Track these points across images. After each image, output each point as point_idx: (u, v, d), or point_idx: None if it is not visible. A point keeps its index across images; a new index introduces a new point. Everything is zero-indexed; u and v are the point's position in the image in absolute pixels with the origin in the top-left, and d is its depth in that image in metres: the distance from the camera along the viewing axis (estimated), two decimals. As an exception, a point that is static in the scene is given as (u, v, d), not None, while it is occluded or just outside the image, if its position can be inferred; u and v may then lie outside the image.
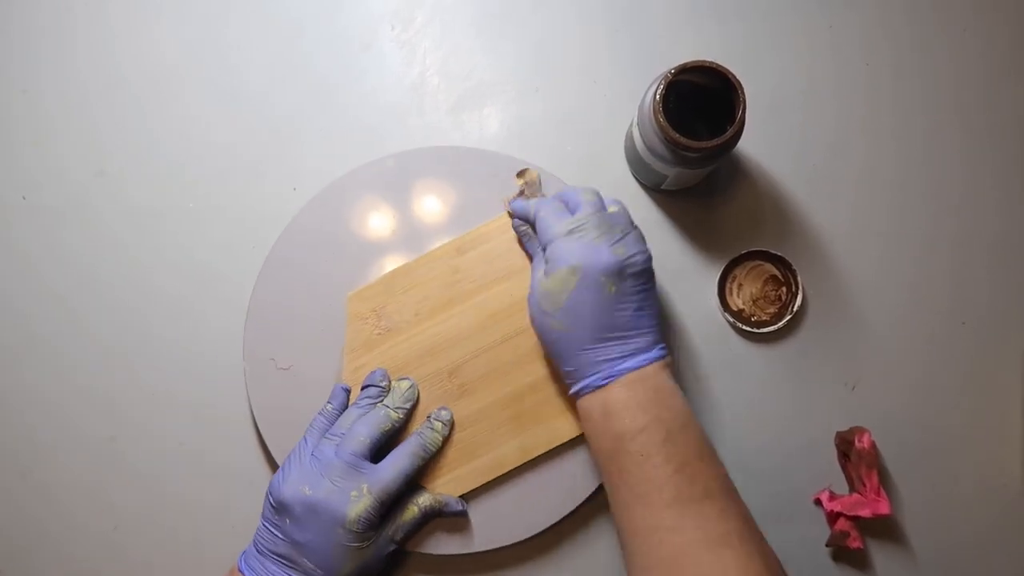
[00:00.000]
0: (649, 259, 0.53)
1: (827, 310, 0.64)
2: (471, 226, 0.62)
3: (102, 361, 0.64)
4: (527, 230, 0.59)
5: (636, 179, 0.65)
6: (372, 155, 0.63)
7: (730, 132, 0.53)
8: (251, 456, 0.63)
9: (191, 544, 0.63)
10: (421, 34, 0.67)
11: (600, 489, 0.59)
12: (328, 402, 0.59)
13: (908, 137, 0.65)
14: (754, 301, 0.64)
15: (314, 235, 0.62)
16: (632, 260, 0.52)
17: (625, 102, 0.66)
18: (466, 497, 0.59)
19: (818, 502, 0.61)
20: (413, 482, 0.58)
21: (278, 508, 0.55)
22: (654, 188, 0.64)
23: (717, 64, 0.53)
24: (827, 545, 0.61)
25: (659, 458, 0.49)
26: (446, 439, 0.59)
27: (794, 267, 0.62)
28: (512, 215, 0.60)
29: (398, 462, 0.56)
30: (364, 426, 0.56)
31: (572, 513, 0.60)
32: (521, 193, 0.61)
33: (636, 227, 0.54)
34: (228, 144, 0.66)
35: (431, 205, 0.62)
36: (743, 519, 0.50)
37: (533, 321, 0.54)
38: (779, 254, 0.62)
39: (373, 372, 0.60)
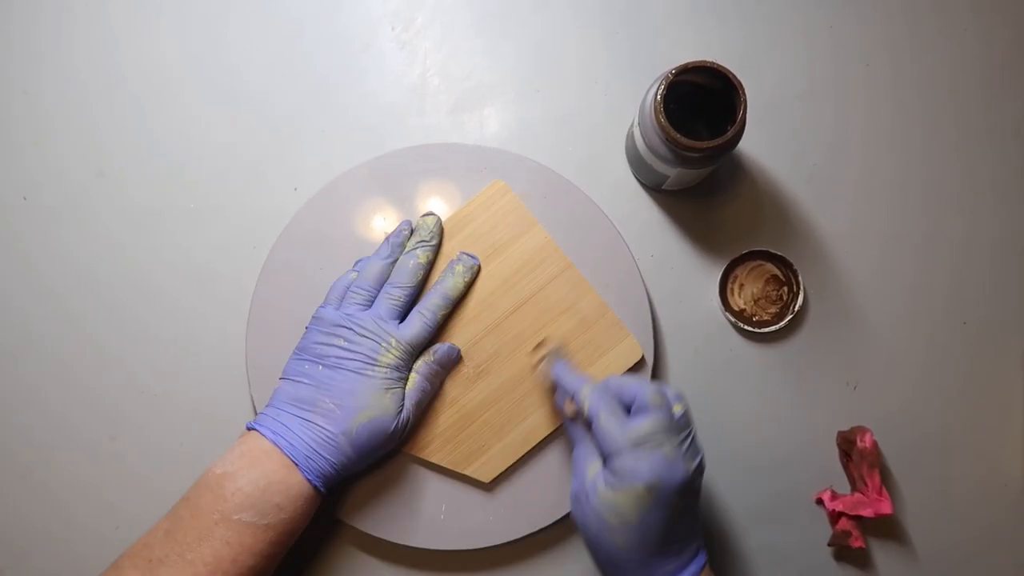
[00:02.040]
0: (703, 461, 0.51)
1: (828, 310, 0.64)
2: None
3: (102, 361, 0.64)
4: (573, 414, 0.55)
5: (637, 179, 0.65)
6: (372, 156, 0.63)
7: (731, 132, 0.53)
8: (251, 456, 0.63)
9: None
10: (421, 35, 0.67)
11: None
12: (351, 271, 0.60)
13: (908, 137, 0.65)
14: (755, 301, 0.64)
15: (313, 235, 0.62)
16: (699, 469, 0.50)
17: (625, 102, 0.66)
18: (465, 489, 0.59)
19: (820, 502, 0.61)
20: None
21: (316, 355, 0.56)
22: (655, 188, 0.64)
23: (718, 64, 0.53)
24: (829, 544, 0.61)
25: None
26: (470, 285, 0.60)
27: (795, 267, 0.62)
28: (555, 388, 0.57)
29: (424, 316, 0.58)
30: (396, 282, 0.58)
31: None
32: (543, 359, 0.59)
33: (693, 423, 0.52)
34: (228, 144, 0.66)
35: (429, 202, 0.62)
36: None
37: (586, 527, 0.50)
38: (780, 254, 0.62)
39: (400, 224, 0.61)
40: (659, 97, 0.53)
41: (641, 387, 0.51)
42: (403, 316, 0.58)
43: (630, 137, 0.62)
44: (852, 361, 0.63)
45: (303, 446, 0.53)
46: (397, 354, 0.56)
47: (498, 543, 0.59)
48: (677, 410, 0.51)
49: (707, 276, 0.64)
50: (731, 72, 0.53)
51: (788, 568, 0.61)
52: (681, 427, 0.50)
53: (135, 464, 0.63)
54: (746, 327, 0.62)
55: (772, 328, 0.62)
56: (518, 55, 0.67)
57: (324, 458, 0.53)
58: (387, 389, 0.55)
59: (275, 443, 0.53)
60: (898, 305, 0.64)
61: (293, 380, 0.56)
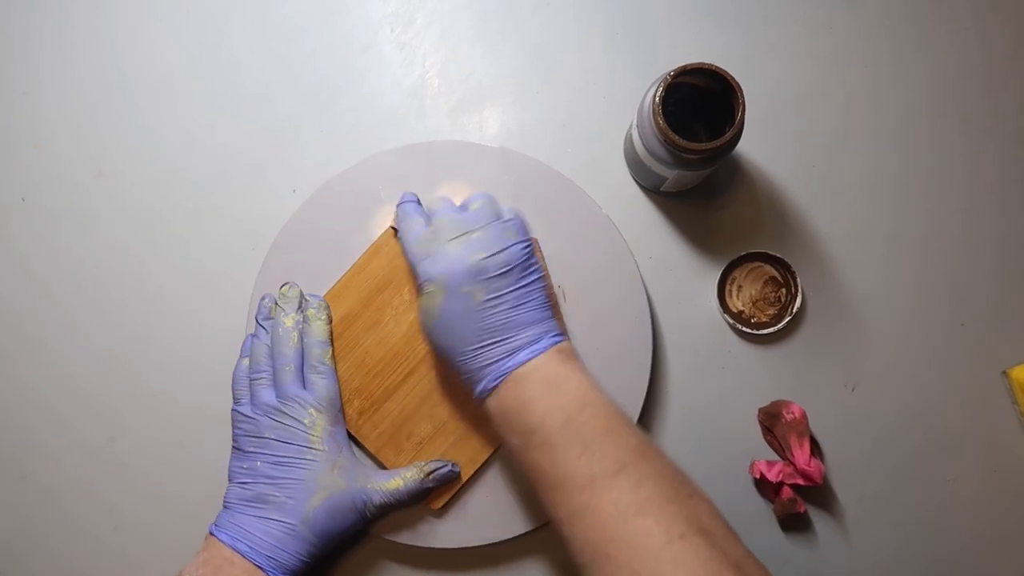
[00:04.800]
0: (520, 252, 0.52)
1: (827, 311, 0.64)
2: None
3: (102, 362, 0.64)
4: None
5: (636, 181, 0.65)
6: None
7: (729, 134, 0.53)
8: (251, 457, 0.63)
9: (190, 545, 0.62)
10: (421, 36, 0.67)
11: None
12: (241, 357, 0.60)
13: (907, 138, 0.65)
14: (754, 303, 0.64)
15: (311, 234, 0.62)
16: (493, 260, 0.51)
17: (624, 104, 0.66)
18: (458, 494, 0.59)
19: (761, 477, 0.60)
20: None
21: (252, 454, 0.56)
22: (654, 190, 0.64)
23: (716, 66, 0.53)
24: (778, 514, 0.60)
25: (562, 444, 0.48)
26: (330, 320, 0.60)
27: (793, 268, 0.62)
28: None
29: (317, 368, 0.58)
30: (279, 354, 0.58)
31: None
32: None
33: (505, 220, 0.53)
34: (227, 146, 0.66)
35: (428, 199, 0.62)
36: (664, 482, 0.47)
37: (423, 333, 0.54)
38: (779, 256, 0.62)
39: (261, 298, 0.61)
40: (657, 99, 0.53)
41: (438, 197, 0.56)
42: (303, 379, 0.59)
43: (629, 139, 0.62)
44: (850, 363, 0.63)
45: (263, 546, 0.53)
46: (323, 418, 0.57)
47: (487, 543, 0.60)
48: (474, 207, 0.54)
49: (706, 278, 0.64)
50: (729, 74, 0.53)
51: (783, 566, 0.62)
52: (469, 223, 0.52)
53: (135, 465, 0.63)
54: (744, 329, 0.62)
55: (770, 330, 0.62)
56: (517, 57, 0.67)
57: (286, 552, 0.54)
58: (333, 465, 0.56)
59: (235, 548, 0.53)
60: (896, 306, 0.64)
61: (240, 483, 0.56)
